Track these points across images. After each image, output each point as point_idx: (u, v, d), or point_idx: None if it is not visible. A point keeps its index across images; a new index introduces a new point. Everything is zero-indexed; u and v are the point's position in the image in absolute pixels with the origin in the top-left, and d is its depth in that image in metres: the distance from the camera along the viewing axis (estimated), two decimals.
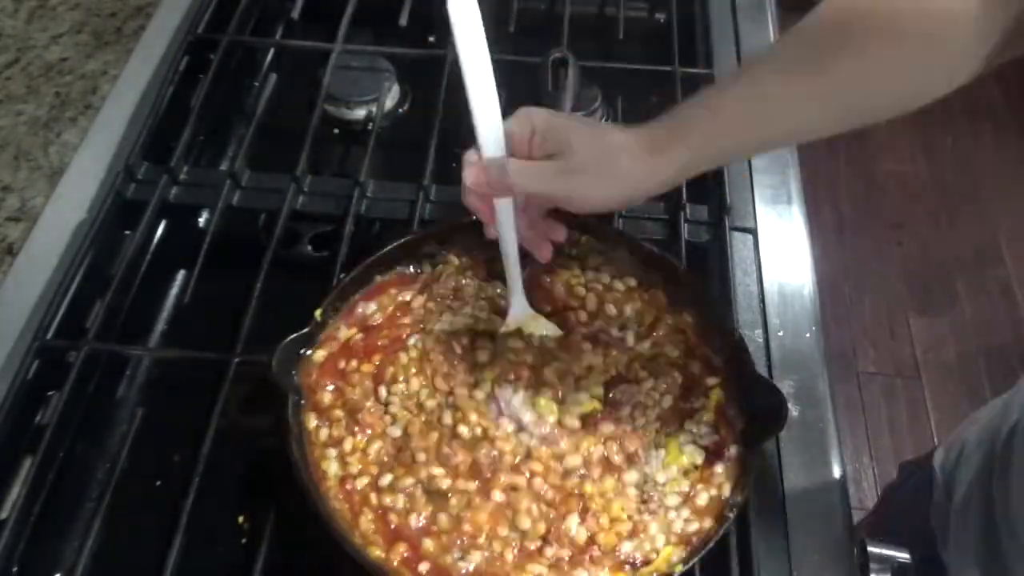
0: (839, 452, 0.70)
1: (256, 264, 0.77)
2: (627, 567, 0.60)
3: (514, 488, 0.63)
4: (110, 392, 0.77)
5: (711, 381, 0.68)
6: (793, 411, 0.71)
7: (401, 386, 0.67)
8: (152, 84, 0.93)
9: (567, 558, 0.60)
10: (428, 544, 0.60)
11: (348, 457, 0.64)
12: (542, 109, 0.64)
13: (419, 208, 0.82)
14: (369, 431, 0.65)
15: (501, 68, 1.03)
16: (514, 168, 0.62)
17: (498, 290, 0.73)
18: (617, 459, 0.64)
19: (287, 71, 1.05)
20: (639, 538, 0.61)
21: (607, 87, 0.97)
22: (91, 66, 0.97)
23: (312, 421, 0.65)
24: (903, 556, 0.67)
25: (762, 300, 0.79)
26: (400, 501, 0.62)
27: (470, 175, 0.64)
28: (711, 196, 0.86)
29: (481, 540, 0.60)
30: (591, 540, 0.61)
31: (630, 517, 0.62)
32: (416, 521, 0.61)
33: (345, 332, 0.70)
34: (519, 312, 0.70)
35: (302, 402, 0.65)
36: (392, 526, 0.61)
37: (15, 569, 0.65)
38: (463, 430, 0.65)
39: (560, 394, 0.67)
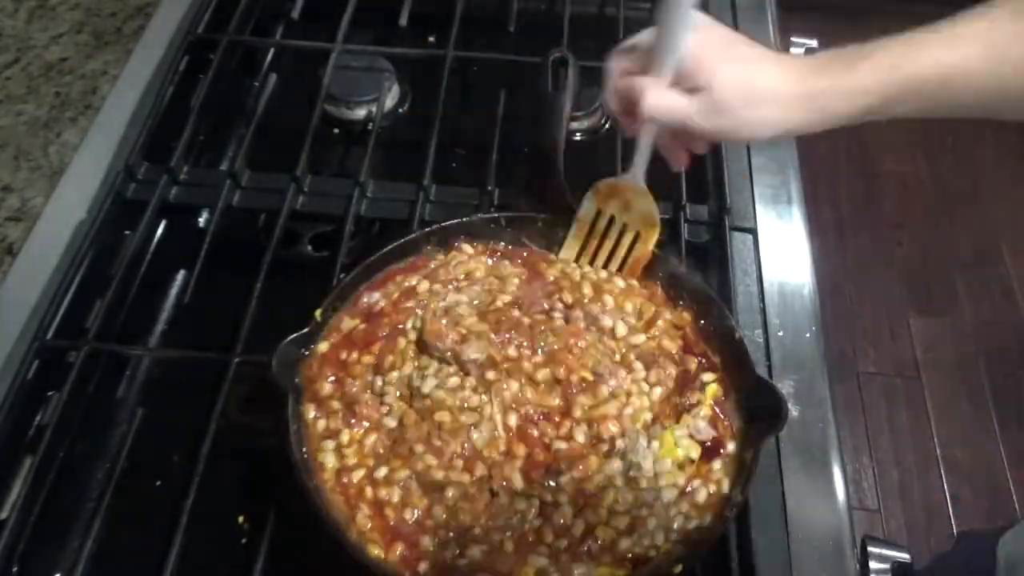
0: (839, 452, 0.70)
1: (256, 264, 0.77)
2: (627, 563, 0.60)
3: (504, 477, 0.63)
4: (110, 392, 0.77)
5: (707, 377, 0.68)
6: (793, 411, 0.71)
7: (395, 373, 0.67)
8: (152, 84, 0.93)
9: (564, 547, 0.60)
10: (426, 541, 0.60)
11: (345, 449, 0.64)
12: (695, 32, 0.58)
13: (419, 208, 0.82)
14: (366, 423, 0.65)
15: (501, 68, 1.03)
16: (653, 100, 0.58)
17: (512, 269, 0.74)
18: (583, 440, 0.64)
19: (287, 71, 1.05)
20: (638, 534, 0.61)
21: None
22: (91, 66, 0.97)
23: (311, 412, 0.65)
24: (903, 556, 0.67)
25: (762, 300, 0.79)
26: (396, 495, 0.62)
27: (615, 85, 0.61)
28: (711, 196, 0.86)
29: (478, 532, 0.60)
30: (588, 532, 0.61)
31: (627, 512, 0.62)
32: (412, 515, 0.61)
33: (348, 323, 0.70)
34: (637, 179, 0.70)
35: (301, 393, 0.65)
36: (390, 522, 0.61)
37: (15, 569, 0.65)
38: (444, 416, 0.65)
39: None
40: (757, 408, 0.64)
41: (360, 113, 0.96)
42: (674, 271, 0.73)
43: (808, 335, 0.77)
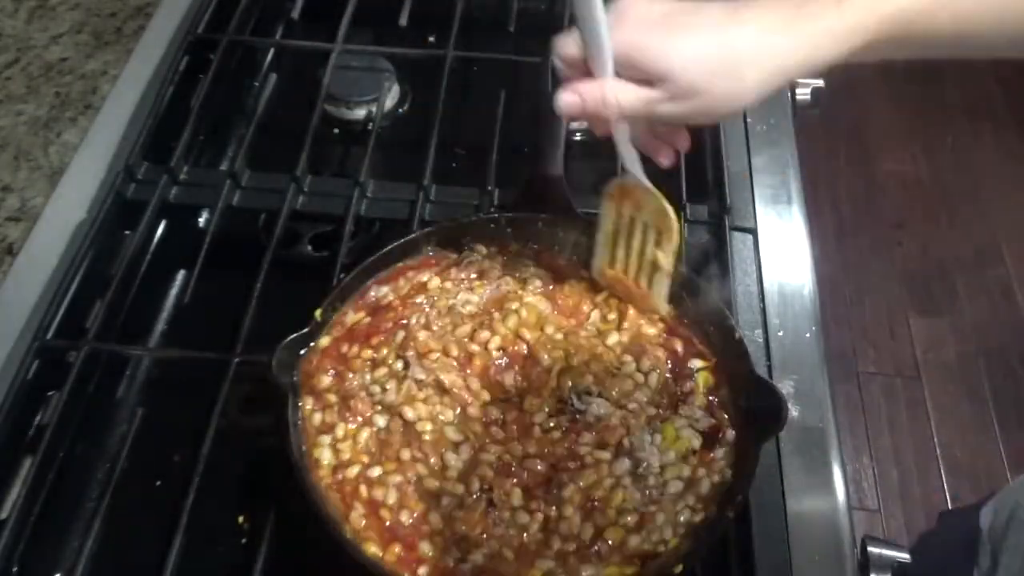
0: (839, 452, 0.70)
1: (256, 264, 0.77)
2: (635, 560, 0.60)
3: (503, 493, 0.62)
4: (110, 392, 0.77)
5: (697, 364, 0.68)
6: (793, 411, 0.71)
7: (383, 370, 0.67)
8: (152, 84, 0.93)
9: (573, 550, 0.60)
10: (425, 547, 0.60)
11: (340, 444, 0.64)
12: (624, 15, 0.52)
13: (419, 208, 0.82)
14: (360, 419, 0.65)
15: (501, 68, 1.03)
16: (612, 95, 0.52)
17: (532, 270, 0.74)
18: (594, 456, 0.64)
19: (287, 71, 1.05)
20: (646, 530, 0.61)
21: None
22: (91, 66, 0.97)
23: (308, 405, 0.65)
24: (903, 556, 0.67)
25: (762, 300, 0.79)
26: (391, 496, 0.61)
27: (567, 94, 0.55)
28: (711, 196, 0.86)
29: (478, 538, 0.60)
30: (598, 535, 0.60)
31: (635, 509, 0.62)
32: (408, 518, 0.61)
33: (352, 316, 0.70)
34: (640, 178, 0.65)
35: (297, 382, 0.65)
36: (385, 523, 0.61)
37: (15, 569, 0.65)
38: (425, 427, 0.64)
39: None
40: (757, 408, 0.64)
41: (360, 113, 0.96)
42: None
43: (808, 335, 0.77)
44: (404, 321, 0.70)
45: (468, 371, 0.67)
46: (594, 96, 0.53)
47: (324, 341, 0.68)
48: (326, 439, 0.64)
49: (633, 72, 0.52)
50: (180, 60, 0.93)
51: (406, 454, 0.63)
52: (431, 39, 1.05)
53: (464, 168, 0.93)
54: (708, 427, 0.65)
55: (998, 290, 2.16)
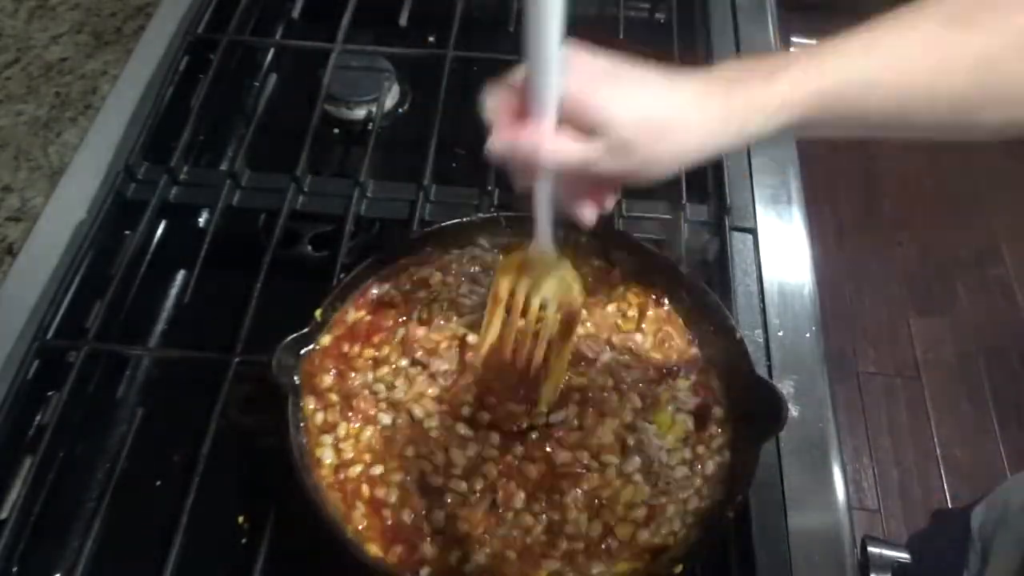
0: (839, 452, 0.70)
1: (256, 264, 0.77)
2: (645, 555, 0.60)
3: (507, 495, 0.62)
4: (110, 392, 0.77)
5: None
6: (793, 411, 0.71)
7: (386, 368, 0.67)
8: (152, 84, 0.93)
9: (581, 549, 0.60)
10: (427, 548, 0.60)
11: (342, 444, 0.64)
12: (571, 67, 0.51)
13: (419, 208, 0.82)
14: (362, 416, 0.65)
15: (501, 68, 1.03)
16: (551, 145, 0.51)
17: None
18: (600, 460, 0.64)
19: (287, 71, 1.05)
20: (656, 523, 0.61)
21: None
22: (91, 66, 0.97)
23: (311, 404, 0.65)
24: (903, 556, 0.67)
25: (762, 300, 0.79)
26: (393, 495, 0.61)
27: (500, 139, 0.52)
28: (711, 196, 0.86)
29: (480, 538, 0.60)
30: (607, 532, 0.60)
31: (644, 502, 0.62)
32: (409, 517, 0.61)
33: (354, 315, 0.70)
34: (544, 246, 0.64)
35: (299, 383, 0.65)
36: (387, 522, 0.61)
37: (15, 569, 0.65)
38: (432, 423, 0.65)
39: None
40: (757, 408, 0.64)
41: (360, 113, 0.96)
42: (674, 274, 0.73)
43: (808, 335, 0.77)
44: (404, 319, 0.70)
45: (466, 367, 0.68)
46: (531, 143, 0.51)
47: (325, 340, 0.68)
48: (328, 439, 0.64)
49: (573, 121, 0.51)
50: (180, 60, 0.93)
51: (411, 451, 0.63)
52: (431, 39, 1.05)
53: (464, 168, 0.93)
54: (696, 406, 0.66)
55: (998, 290, 2.16)
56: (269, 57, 1.05)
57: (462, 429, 0.64)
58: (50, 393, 0.72)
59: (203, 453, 0.66)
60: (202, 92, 0.91)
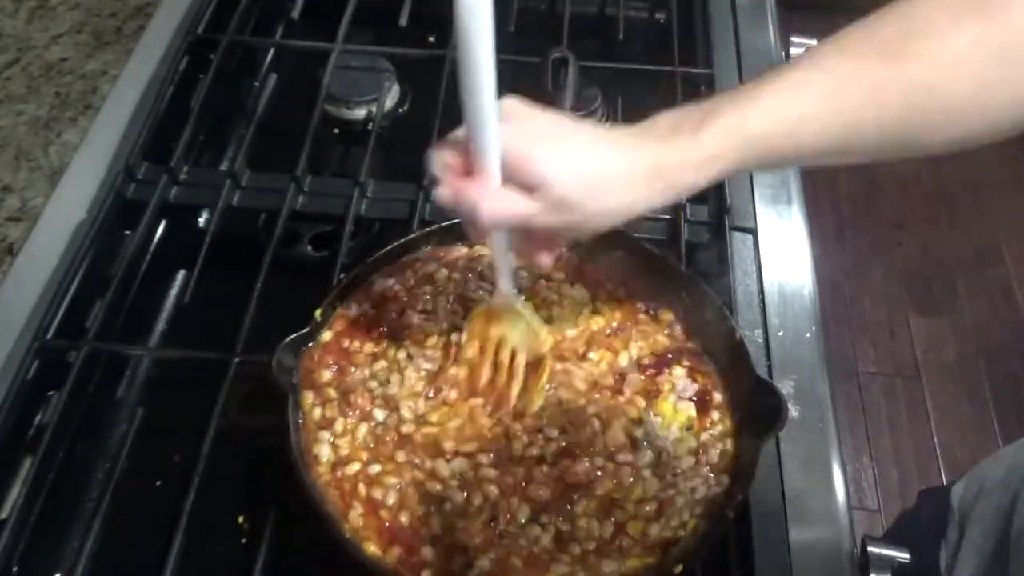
0: (839, 452, 0.70)
1: (256, 264, 0.77)
2: (656, 550, 0.60)
3: (509, 511, 0.61)
4: (110, 392, 0.77)
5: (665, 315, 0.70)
6: (793, 411, 0.71)
7: (382, 363, 0.67)
8: (152, 84, 0.93)
9: (592, 549, 0.60)
10: (427, 552, 0.59)
11: (339, 440, 0.64)
12: (510, 123, 0.52)
13: (419, 208, 0.82)
14: (358, 412, 0.65)
15: (501, 68, 1.03)
16: (489, 209, 0.52)
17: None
18: (616, 460, 0.64)
19: (287, 71, 1.05)
20: (666, 516, 0.61)
21: (607, 87, 0.97)
22: (91, 66, 0.97)
23: (309, 399, 0.65)
24: (903, 556, 0.67)
25: (762, 300, 0.79)
26: (391, 497, 0.61)
27: (443, 194, 0.54)
28: (711, 196, 0.86)
29: (480, 545, 0.59)
30: (619, 531, 0.60)
31: (654, 496, 0.62)
32: (408, 519, 0.60)
33: (356, 309, 0.70)
34: (506, 294, 0.65)
35: (295, 382, 0.65)
36: (385, 523, 0.60)
37: (15, 569, 0.65)
38: (431, 430, 0.64)
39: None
40: (757, 408, 0.64)
41: (360, 113, 0.96)
42: (674, 273, 0.73)
43: (808, 335, 0.77)
44: (408, 311, 0.69)
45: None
46: (471, 201, 0.52)
47: (326, 336, 0.68)
48: (325, 435, 0.64)
49: (515, 178, 0.52)
50: (180, 60, 0.93)
51: (401, 456, 0.63)
52: (431, 39, 1.05)
53: None
54: (696, 392, 0.66)
55: (998, 290, 2.16)
56: (269, 57, 1.05)
57: (448, 443, 0.63)
58: (50, 393, 0.72)
59: (203, 453, 0.66)
60: (202, 92, 0.91)
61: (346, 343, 0.68)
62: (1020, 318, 2.11)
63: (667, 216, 0.83)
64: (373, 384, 0.66)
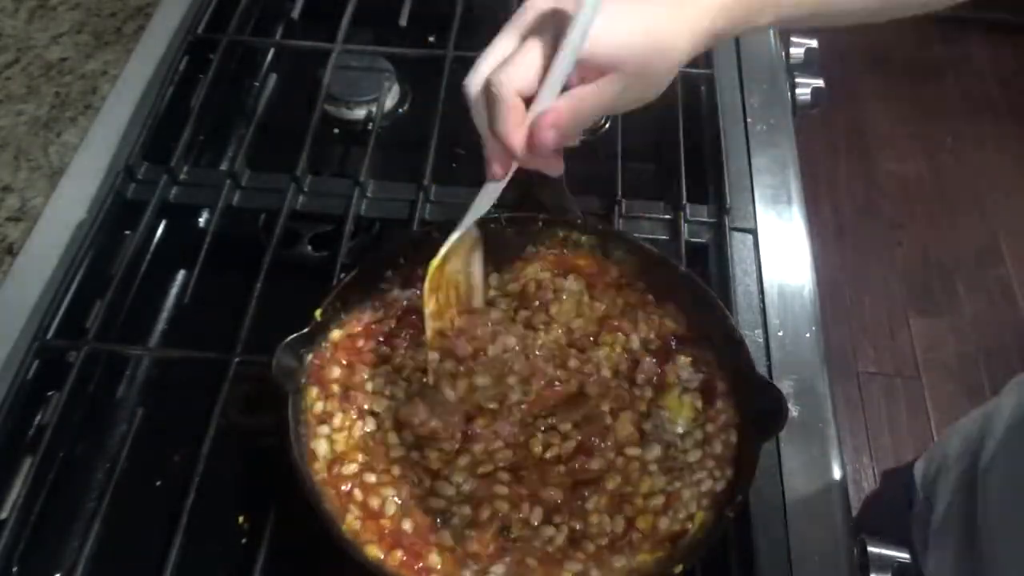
0: (839, 452, 0.70)
1: (256, 264, 0.77)
2: (665, 543, 0.60)
3: (521, 518, 0.61)
4: (110, 392, 0.77)
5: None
6: (793, 411, 0.71)
7: (388, 366, 0.67)
8: (152, 84, 0.93)
9: (605, 545, 0.60)
10: (434, 559, 0.59)
11: (336, 435, 0.63)
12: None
13: (419, 208, 0.82)
14: (356, 409, 0.65)
15: None
16: (567, 115, 0.51)
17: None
18: (625, 454, 0.64)
19: (287, 71, 1.05)
20: (673, 509, 0.61)
21: None
22: (91, 66, 0.97)
23: (312, 393, 0.65)
24: (903, 556, 0.67)
25: (762, 300, 0.79)
26: (390, 508, 0.60)
27: (498, 168, 0.55)
28: (711, 196, 0.86)
29: (492, 551, 0.59)
30: (630, 526, 0.60)
31: (662, 490, 0.62)
32: (411, 527, 0.60)
33: (372, 315, 0.70)
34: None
35: (304, 380, 0.65)
36: (385, 529, 0.60)
37: (15, 569, 0.65)
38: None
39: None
40: (757, 408, 0.64)
41: (360, 113, 0.96)
42: (674, 273, 0.72)
43: (808, 335, 0.77)
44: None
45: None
46: (559, 114, 0.52)
47: (336, 335, 0.68)
48: (324, 429, 0.63)
49: (589, 72, 0.52)
50: (180, 60, 0.93)
51: (396, 470, 0.62)
52: (431, 39, 1.05)
53: (464, 168, 0.93)
54: (701, 383, 0.67)
55: (998, 290, 2.16)
56: (269, 57, 1.05)
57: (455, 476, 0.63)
58: (50, 393, 0.72)
59: (203, 453, 0.66)
60: (202, 92, 0.91)
61: (360, 343, 0.68)
62: (1020, 318, 2.11)
63: (667, 216, 0.83)
64: (379, 382, 0.66)
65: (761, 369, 0.72)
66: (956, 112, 2.45)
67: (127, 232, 0.81)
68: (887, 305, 2.13)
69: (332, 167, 0.95)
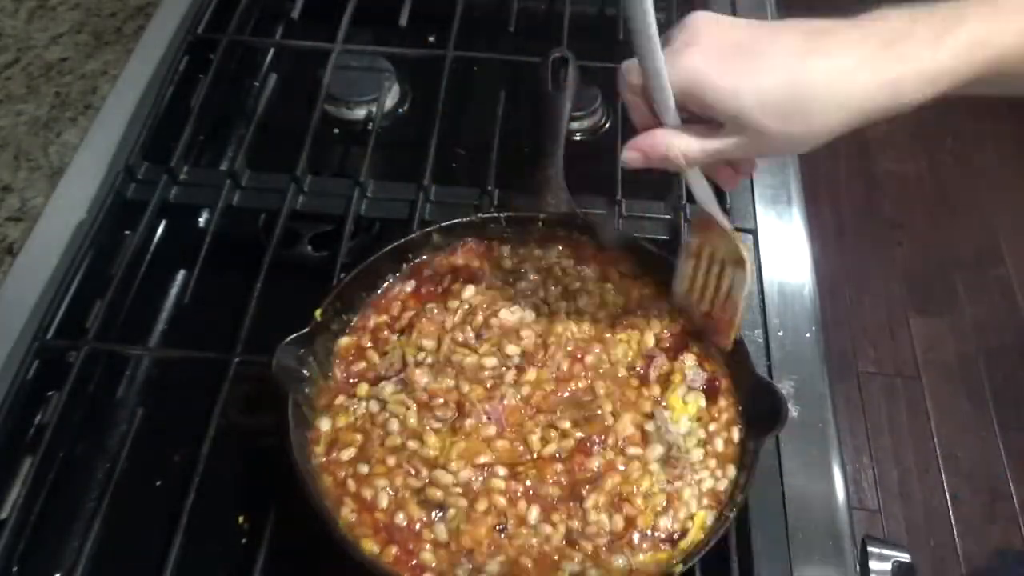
0: (839, 452, 0.70)
1: (256, 264, 0.77)
2: (666, 545, 0.60)
3: (517, 516, 0.61)
4: (110, 392, 0.77)
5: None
6: (793, 411, 0.71)
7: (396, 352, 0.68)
8: (152, 84, 0.93)
9: (605, 544, 0.60)
10: (427, 556, 0.59)
11: (338, 415, 0.65)
12: (695, 47, 0.47)
13: (419, 208, 0.82)
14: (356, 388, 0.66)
15: (501, 68, 1.03)
16: (675, 151, 0.49)
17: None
18: (626, 454, 0.64)
19: (287, 71, 1.05)
20: (673, 508, 0.61)
21: (607, 87, 0.97)
22: (91, 66, 0.97)
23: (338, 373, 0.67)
24: (903, 556, 0.67)
25: (762, 300, 0.79)
26: (383, 499, 0.60)
27: (631, 152, 0.52)
28: None
29: (487, 550, 0.59)
30: (630, 525, 0.60)
31: (663, 490, 0.62)
32: (404, 520, 0.60)
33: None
34: (719, 218, 0.63)
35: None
36: (380, 523, 0.60)
37: (15, 569, 0.65)
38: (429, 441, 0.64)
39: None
40: (757, 408, 0.64)
41: (360, 113, 0.96)
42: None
43: (808, 335, 0.77)
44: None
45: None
46: (657, 153, 0.50)
47: (371, 322, 0.70)
48: (340, 400, 0.65)
49: (697, 106, 0.49)
50: (180, 60, 0.93)
51: (391, 460, 0.62)
52: (431, 39, 1.05)
53: (464, 168, 0.93)
54: (704, 381, 0.67)
55: (998, 290, 2.16)
56: (269, 57, 1.05)
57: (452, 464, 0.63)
58: (50, 393, 0.72)
59: (203, 453, 0.66)
60: (202, 92, 0.91)
61: (385, 333, 0.70)
62: (1020, 318, 2.11)
63: (667, 216, 0.83)
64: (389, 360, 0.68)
65: (761, 369, 0.72)
66: (956, 112, 2.45)
67: (127, 232, 0.81)
68: (887, 305, 2.13)
69: (332, 167, 0.95)
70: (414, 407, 0.65)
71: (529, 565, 0.59)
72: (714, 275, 0.66)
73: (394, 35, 0.99)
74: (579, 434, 0.64)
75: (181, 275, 0.87)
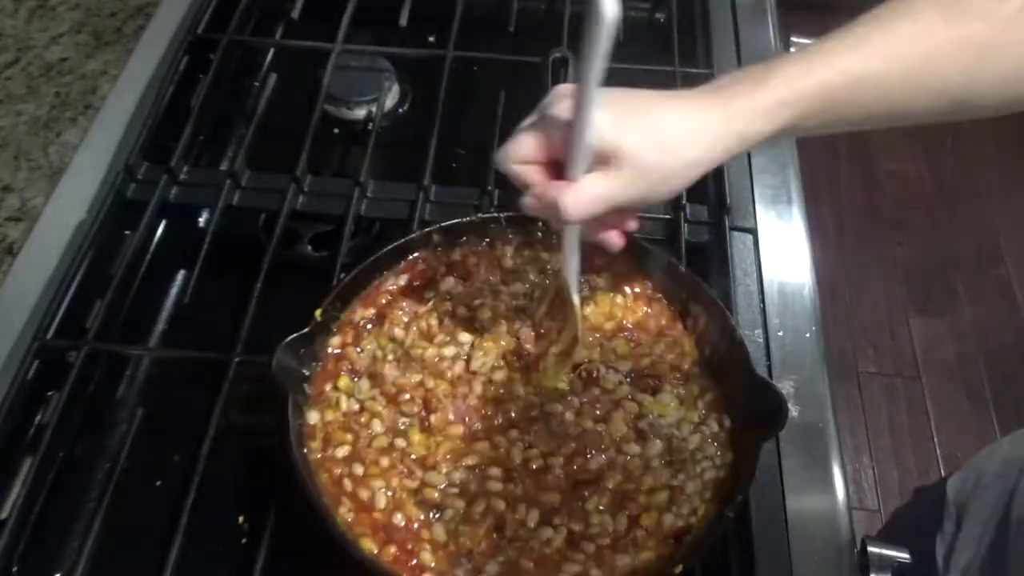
0: (839, 452, 0.70)
1: (256, 264, 0.77)
2: (670, 541, 0.60)
3: (517, 520, 0.60)
4: (110, 392, 0.77)
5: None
6: (793, 411, 0.71)
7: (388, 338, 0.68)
8: (152, 84, 0.93)
9: (607, 544, 0.59)
10: (426, 557, 0.58)
11: (326, 410, 0.64)
12: (566, 104, 0.54)
13: (419, 208, 0.82)
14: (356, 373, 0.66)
15: (501, 68, 1.03)
16: (574, 204, 0.54)
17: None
18: (624, 450, 0.64)
19: (287, 71, 1.05)
20: (677, 504, 0.61)
21: (607, 87, 0.97)
22: (91, 66, 0.97)
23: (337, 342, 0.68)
24: (903, 556, 0.67)
25: (762, 300, 0.79)
26: (381, 500, 0.60)
27: (531, 203, 0.56)
28: (711, 196, 0.86)
29: (486, 551, 0.59)
30: (633, 523, 0.60)
31: (666, 485, 0.62)
32: (402, 520, 0.60)
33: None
34: (570, 287, 0.65)
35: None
36: (379, 522, 0.60)
37: (15, 569, 0.65)
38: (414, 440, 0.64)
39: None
40: (757, 408, 0.64)
41: (360, 113, 0.96)
42: (673, 272, 0.73)
43: (808, 335, 0.77)
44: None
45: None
46: (553, 202, 0.54)
47: (370, 312, 0.70)
48: (328, 389, 0.65)
49: (597, 159, 0.54)
50: (180, 60, 0.93)
51: (385, 461, 0.62)
52: (431, 39, 1.05)
53: (464, 168, 0.93)
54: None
55: (998, 290, 2.16)
56: (269, 57, 1.05)
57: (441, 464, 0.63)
58: (50, 393, 0.72)
59: (203, 453, 0.66)
60: (202, 92, 0.91)
61: (369, 326, 0.70)
62: (1020, 318, 2.11)
63: (667, 216, 0.83)
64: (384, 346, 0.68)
65: (761, 369, 0.73)
66: None
67: (127, 232, 0.81)
68: (887, 305, 2.13)
69: (332, 167, 0.95)
70: (384, 402, 0.65)
71: (531, 566, 0.58)
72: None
73: (394, 35, 0.99)
74: (573, 444, 0.63)
75: (181, 275, 0.87)
